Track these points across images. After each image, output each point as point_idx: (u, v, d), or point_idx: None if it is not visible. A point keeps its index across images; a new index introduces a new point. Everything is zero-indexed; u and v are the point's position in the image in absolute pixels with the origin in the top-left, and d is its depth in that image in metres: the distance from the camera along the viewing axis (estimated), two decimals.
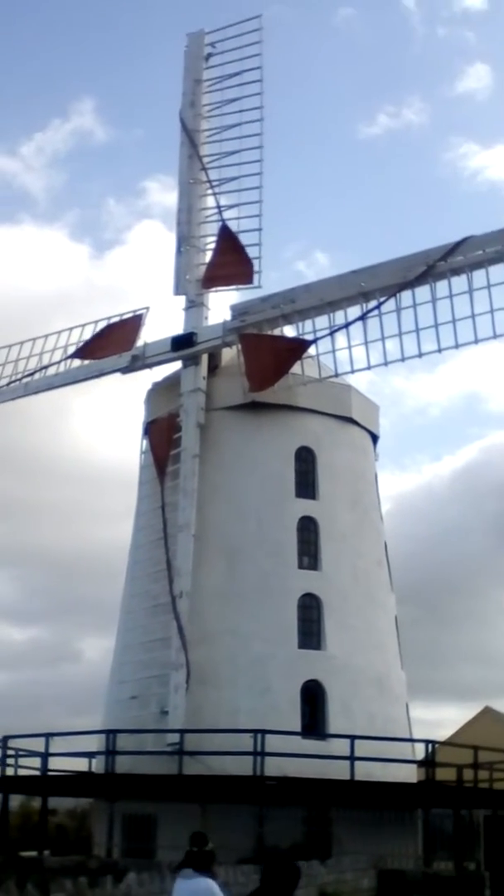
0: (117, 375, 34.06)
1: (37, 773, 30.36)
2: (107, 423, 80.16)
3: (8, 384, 35.02)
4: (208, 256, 33.51)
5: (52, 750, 29.72)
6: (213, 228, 33.77)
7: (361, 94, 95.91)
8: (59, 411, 79.64)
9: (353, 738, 27.87)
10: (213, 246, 33.52)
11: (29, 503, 79.54)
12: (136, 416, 35.29)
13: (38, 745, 30.16)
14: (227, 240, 33.14)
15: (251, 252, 32.54)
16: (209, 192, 34.01)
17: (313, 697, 30.43)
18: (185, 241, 33.70)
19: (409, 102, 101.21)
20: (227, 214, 33.50)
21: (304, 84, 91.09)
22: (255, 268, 32.36)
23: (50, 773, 30.14)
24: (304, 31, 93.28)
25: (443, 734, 35.96)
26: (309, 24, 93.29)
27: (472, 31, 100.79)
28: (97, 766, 31.20)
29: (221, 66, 34.78)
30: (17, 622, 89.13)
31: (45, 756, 29.78)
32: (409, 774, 30.07)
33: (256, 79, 33.75)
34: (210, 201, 34.03)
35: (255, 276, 32.41)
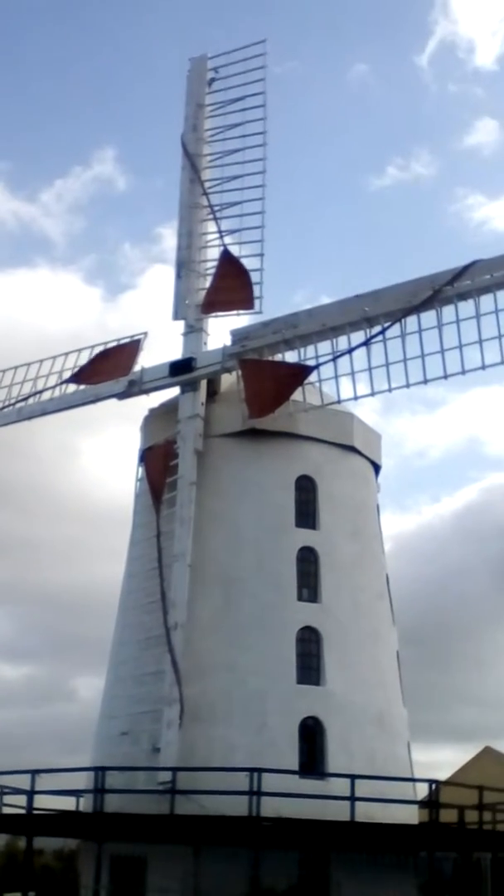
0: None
1: (22, 811, 29.14)
2: (112, 464, 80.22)
3: (1, 409, 34.23)
4: (208, 282, 32.92)
5: (39, 788, 28.58)
6: (214, 254, 33.31)
7: (372, 147, 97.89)
8: (64, 451, 79.73)
9: (353, 777, 26.79)
10: (213, 271, 32.93)
11: (28, 540, 79.08)
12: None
13: (24, 782, 29.01)
14: (229, 264, 32.60)
15: (253, 277, 31.95)
16: (210, 216, 33.49)
17: (312, 735, 29.28)
18: (185, 266, 33.16)
19: (418, 155, 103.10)
20: (228, 239, 33.10)
21: (315, 137, 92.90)
22: (256, 293, 31.80)
23: (36, 812, 28.95)
24: (317, 85, 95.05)
25: (440, 776, 34.71)
26: (323, 78, 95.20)
27: (482, 88, 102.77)
28: (85, 804, 30.05)
29: (224, 91, 34.44)
30: (11, 659, 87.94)
31: (30, 794, 28.65)
32: (411, 816, 28.87)
33: (259, 104, 33.45)
34: (211, 226, 33.50)
35: (257, 302, 31.86)
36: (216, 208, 33.38)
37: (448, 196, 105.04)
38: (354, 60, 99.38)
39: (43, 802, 29.32)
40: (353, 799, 26.39)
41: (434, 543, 77.67)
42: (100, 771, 28.09)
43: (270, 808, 26.35)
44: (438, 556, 74.20)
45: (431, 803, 27.18)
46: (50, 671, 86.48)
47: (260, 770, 26.45)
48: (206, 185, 33.66)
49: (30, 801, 28.68)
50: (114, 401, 33.22)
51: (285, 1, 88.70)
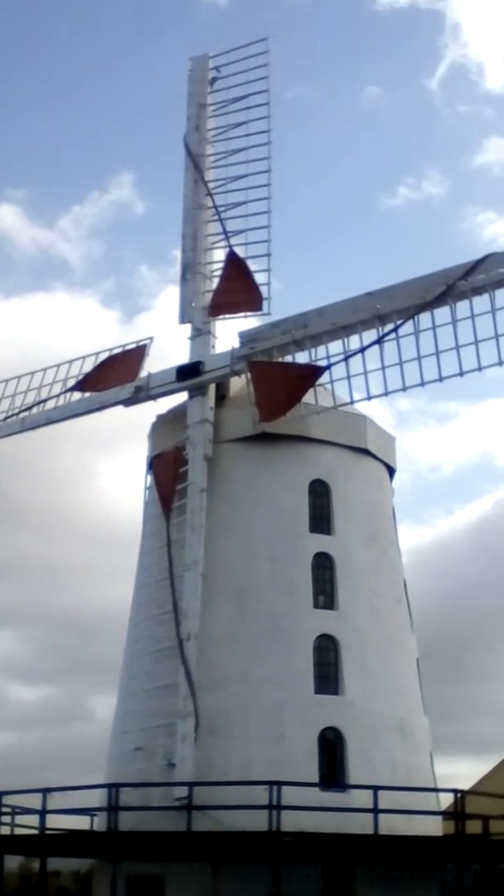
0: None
1: (35, 832, 28.27)
2: (130, 484, 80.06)
3: (5, 419, 33.49)
4: (215, 284, 32.20)
5: (52, 807, 27.74)
6: (220, 255, 32.58)
7: (383, 168, 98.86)
8: (83, 472, 79.40)
9: (376, 788, 25.94)
10: (219, 273, 32.22)
11: (46, 562, 78.86)
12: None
13: (37, 802, 28.13)
14: (235, 266, 31.85)
15: (260, 278, 31.27)
16: (214, 218, 32.78)
17: (331, 746, 28.36)
18: (190, 269, 32.43)
19: (429, 175, 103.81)
20: (233, 241, 32.25)
21: (327, 158, 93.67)
22: (265, 294, 31.07)
23: (48, 832, 28.06)
24: (330, 108, 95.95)
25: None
26: (335, 101, 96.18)
27: (492, 109, 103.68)
28: (99, 823, 29.19)
29: (227, 91, 33.79)
30: (28, 681, 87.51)
31: (42, 813, 27.79)
32: (435, 828, 28.04)
33: (263, 102, 32.71)
34: (216, 228, 32.78)
35: (265, 303, 31.09)
36: (221, 209, 32.60)
37: (459, 214, 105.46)
38: (366, 83, 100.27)
39: (56, 822, 28.46)
40: (376, 811, 25.57)
41: (449, 556, 77.26)
42: (113, 788, 27.29)
43: (291, 822, 25.54)
44: (454, 568, 73.68)
45: (458, 814, 26.29)
46: (67, 692, 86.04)
47: (279, 783, 25.60)
48: (211, 185, 32.93)
49: (42, 820, 27.85)
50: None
51: (296, 26, 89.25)
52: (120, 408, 32.47)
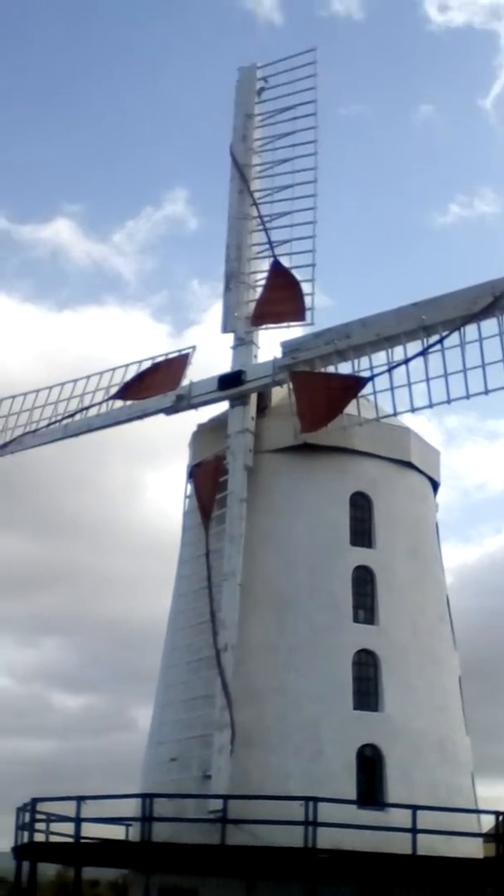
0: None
1: (70, 840, 28.02)
2: (176, 496, 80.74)
3: (48, 426, 33.55)
4: (258, 294, 32.07)
5: (88, 816, 27.43)
6: (264, 265, 32.44)
7: (436, 186, 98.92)
8: (133, 484, 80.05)
9: (415, 808, 25.50)
10: (263, 282, 32.09)
11: (95, 572, 79.28)
12: None
13: (73, 810, 27.89)
14: (279, 276, 31.74)
15: (304, 288, 31.07)
16: (259, 227, 32.67)
17: (370, 763, 27.96)
18: (234, 278, 32.31)
19: (482, 193, 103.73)
20: (278, 251, 32.11)
21: (380, 176, 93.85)
22: (308, 304, 30.88)
23: (82, 841, 27.79)
24: (384, 126, 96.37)
25: None
26: (389, 119, 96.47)
27: None
28: (134, 833, 28.87)
29: (274, 101, 33.74)
30: (72, 690, 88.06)
31: (77, 821, 27.51)
32: (476, 850, 27.48)
33: (310, 112, 32.71)
34: (260, 237, 32.64)
35: (308, 313, 30.90)
36: (266, 219, 32.53)
37: None
38: (420, 102, 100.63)
39: (93, 831, 28.21)
40: (414, 831, 25.14)
41: (497, 575, 76.39)
42: (147, 798, 27.02)
43: (327, 839, 25.15)
44: (502, 587, 72.65)
45: (499, 836, 25.75)
46: (110, 701, 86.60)
47: (316, 799, 25.27)
48: (256, 195, 32.85)
49: (77, 829, 27.58)
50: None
51: (352, 47, 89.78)
52: (164, 418, 32.39)
